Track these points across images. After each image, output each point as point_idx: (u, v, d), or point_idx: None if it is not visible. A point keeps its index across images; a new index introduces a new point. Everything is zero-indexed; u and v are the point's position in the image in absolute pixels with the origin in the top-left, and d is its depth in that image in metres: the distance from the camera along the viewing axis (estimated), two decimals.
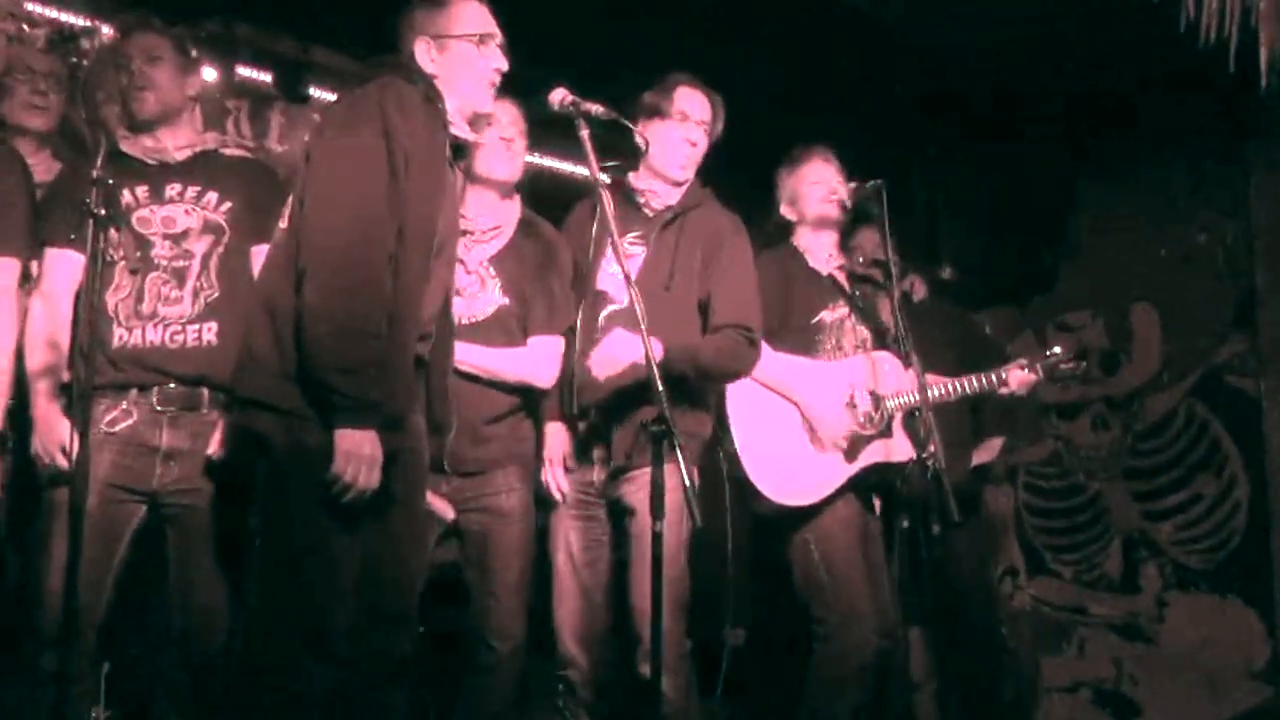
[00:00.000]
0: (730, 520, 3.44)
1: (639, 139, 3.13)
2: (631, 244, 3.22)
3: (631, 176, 3.33)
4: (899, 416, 3.56)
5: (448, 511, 3.11)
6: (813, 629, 3.49)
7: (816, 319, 3.62)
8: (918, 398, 3.43)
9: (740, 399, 3.51)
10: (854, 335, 3.65)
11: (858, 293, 3.70)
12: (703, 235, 3.25)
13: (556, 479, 3.22)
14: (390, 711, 2.66)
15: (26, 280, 2.95)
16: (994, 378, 3.69)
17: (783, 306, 3.54)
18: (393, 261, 2.46)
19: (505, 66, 2.70)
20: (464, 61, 2.65)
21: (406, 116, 2.49)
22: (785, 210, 3.73)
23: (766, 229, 3.74)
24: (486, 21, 2.70)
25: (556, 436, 3.24)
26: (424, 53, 2.65)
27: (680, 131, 3.26)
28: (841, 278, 3.71)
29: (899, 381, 3.56)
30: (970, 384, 3.68)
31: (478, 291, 3.19)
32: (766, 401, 3.54)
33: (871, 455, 3.54)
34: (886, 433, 3.55)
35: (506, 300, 3.19)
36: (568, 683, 3.22)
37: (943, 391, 3.64)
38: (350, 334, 2.38)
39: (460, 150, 2.73)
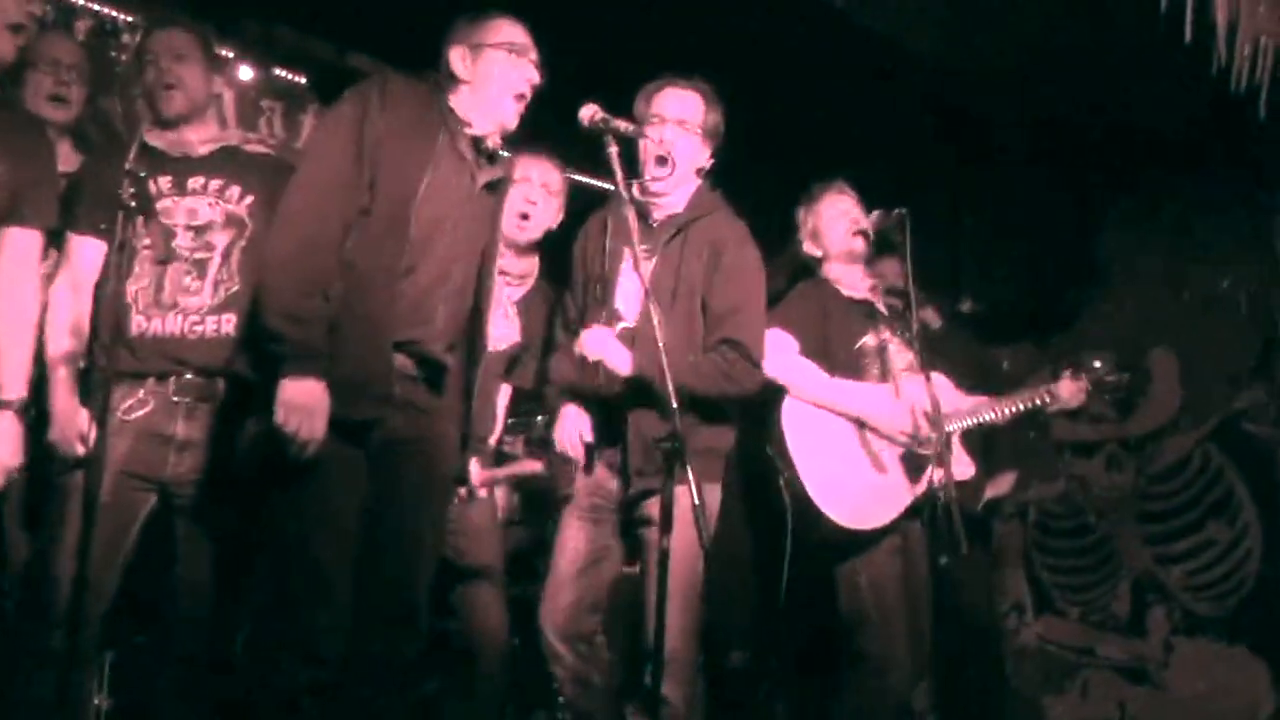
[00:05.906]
0: (788, 549, 3.37)
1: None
2: (642, 258, 3.10)
3: (635, 189, 3.16)
4: (956, 438, 3.50)
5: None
6: (852, 657, 3.40)
7: (859, 345, 3.57)
8: (975, 420, 3.49)
9: (796, 424, 3.45)
10: (900, 359, 3.58)
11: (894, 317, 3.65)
12: (705, 243, 3.11)
13: (575, 447, 3.11)
14: (385, 715, 2.63)
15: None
16: (1045, 394, 3.66)
17: (822, 335, 3.49)
18: (354, 237, 2.55)
19: (537, 79, 2.75)
20: (496, 69, 2.72)
21: (386, 100, 2.61)
22: (809, 247, 3.70)
23: (779, 262, 3.71)
24: (523, 37, 2.76)
25: (577, 416, 3.14)
26: (458, 58, 2.72)
27: (656, 133, 3.11)
28: (878, 302, 3.67)
29: (952, 403, 3.52)
30: (1022, 403, 3.65)
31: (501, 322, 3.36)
32: (823, 427, 3.47)
33: (930, 478, 3.41)
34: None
35: (518, 340, 3.46)
36: (552, 681, 3.15)
37: (996, 414, 3.62)
38: (299, 284, 2.48)
39: (492, 158, 2.77)
